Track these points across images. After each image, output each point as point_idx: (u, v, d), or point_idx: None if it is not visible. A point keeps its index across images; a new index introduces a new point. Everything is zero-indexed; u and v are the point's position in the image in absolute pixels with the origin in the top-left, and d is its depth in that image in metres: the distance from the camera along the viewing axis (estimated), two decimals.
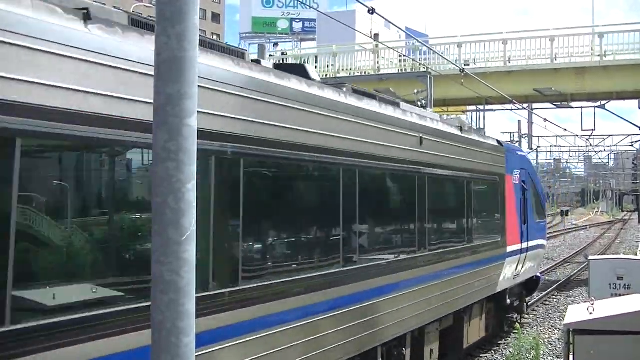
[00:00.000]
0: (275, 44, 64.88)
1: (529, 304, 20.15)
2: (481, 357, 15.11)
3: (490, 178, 14.32)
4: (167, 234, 2.69)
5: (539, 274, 19.21)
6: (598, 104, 36.79)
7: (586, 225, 68.03)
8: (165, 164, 2.72)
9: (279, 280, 6.98)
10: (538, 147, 73.43)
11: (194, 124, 2.77)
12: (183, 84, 2.74)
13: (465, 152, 12.58)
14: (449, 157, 11.77)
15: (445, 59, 30.14)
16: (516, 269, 15.84)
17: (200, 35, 3.25)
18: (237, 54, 7.00)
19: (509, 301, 16.22)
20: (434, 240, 11.10)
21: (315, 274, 7.65)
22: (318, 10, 49.15)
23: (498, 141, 15.80)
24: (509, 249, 15.04)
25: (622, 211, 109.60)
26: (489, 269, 13.80)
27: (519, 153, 18.11)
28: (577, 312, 8.35)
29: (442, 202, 12.07)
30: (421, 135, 10.45)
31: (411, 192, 10.39)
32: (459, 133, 12.59)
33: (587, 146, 69.78)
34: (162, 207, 2.71)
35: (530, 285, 18.49)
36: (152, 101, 2.82)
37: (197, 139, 2.81)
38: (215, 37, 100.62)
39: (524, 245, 16.32)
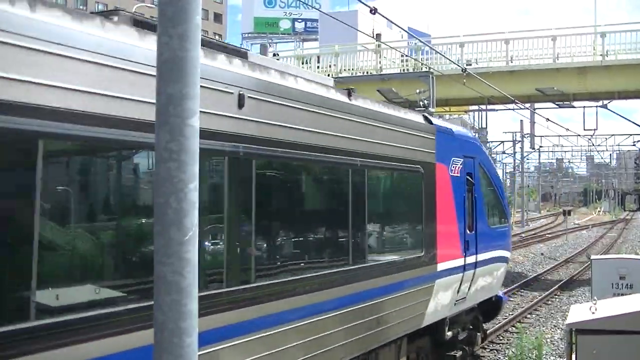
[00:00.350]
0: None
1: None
2: (483, 357, 15.11)
3: (406, 167, 10.08)
4: (169, 234, 2.70)
5: (501, 294, 14.89)
6: (600, 103, 36.77)
7: (588, 225, 67.99)
8: (167, 164, 2.72)
9: None
10: (540, 146, 73.66)
11: (196, 124, 2.78)
12: (185, 84, 2.75)
13: (350, 126, 8.50)
14: (309, 131, 7.60)
15: (448, 58, 30.14)
16: (458, 291, 11.77)
17: None
18: None
19: (450, 334, 11.97)
20: (269, 265, 7.20)
21: None
22: (320, 10, 49.18)
23: (426, 117, 11.27)
24: (443, 266, 11.02)
25: (625, 210, 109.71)
26: (404, 297, 9.77)
27: (462, 136, 12.96)
28: (580, 312, 8.35)
29: (292, 201, 7.90)
30: (242, 91, 6.51)
31: (215, 182, 6.54)
32: (340, 98, 8.47)
33: (589, 146, 69.87)
34: (164, 208, 2.71)
35: (490, 307, 14.36)
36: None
37: None
38: (217, 37, 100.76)
39: (471, 259, 12.15)
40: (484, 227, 12.95)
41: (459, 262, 11.72)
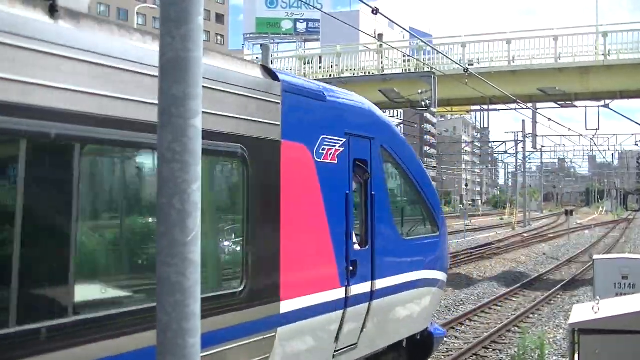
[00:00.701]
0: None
1: None
2: (485, 356, 15.11)
3: (214, 146, 5.93)
4: (172, 235, 2.70)
5: (432, 328, 10.72)
6: (602, 103, 36.75)
7: (591, 225, 67.96)
8: (170, 164, 2.72)
9: None
10: (542, 146, 73.67)
11: (199, 125, 2.77)
12: (187, 85, 2.75)
13: (59, 66, 4.52)
14: None
15: (450, 58, 30.10)
16: (338, 337, 7.93)
17: None
18: None
19: None
20: None
21: None
22: (322, 11, 49.17)
23: (267, 69, 7.06)
24: (294, 303, 7.04)
25: (627, 210, 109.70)
26: None
27: (346, 104, 8.56)
28: (582, 312, 8.34)
29: None
30: None
31: None
32: (22, 13, 4.35)
33: (591, 145, 69.91)
34: (168, 208, 2.71)
35: (422, 342, 10.39)
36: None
37: None
38: (219, 37, 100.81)
39: (361, 287, 8.23)
40: (391, 239, 9.10)
41: (335, 293, 7.79)
